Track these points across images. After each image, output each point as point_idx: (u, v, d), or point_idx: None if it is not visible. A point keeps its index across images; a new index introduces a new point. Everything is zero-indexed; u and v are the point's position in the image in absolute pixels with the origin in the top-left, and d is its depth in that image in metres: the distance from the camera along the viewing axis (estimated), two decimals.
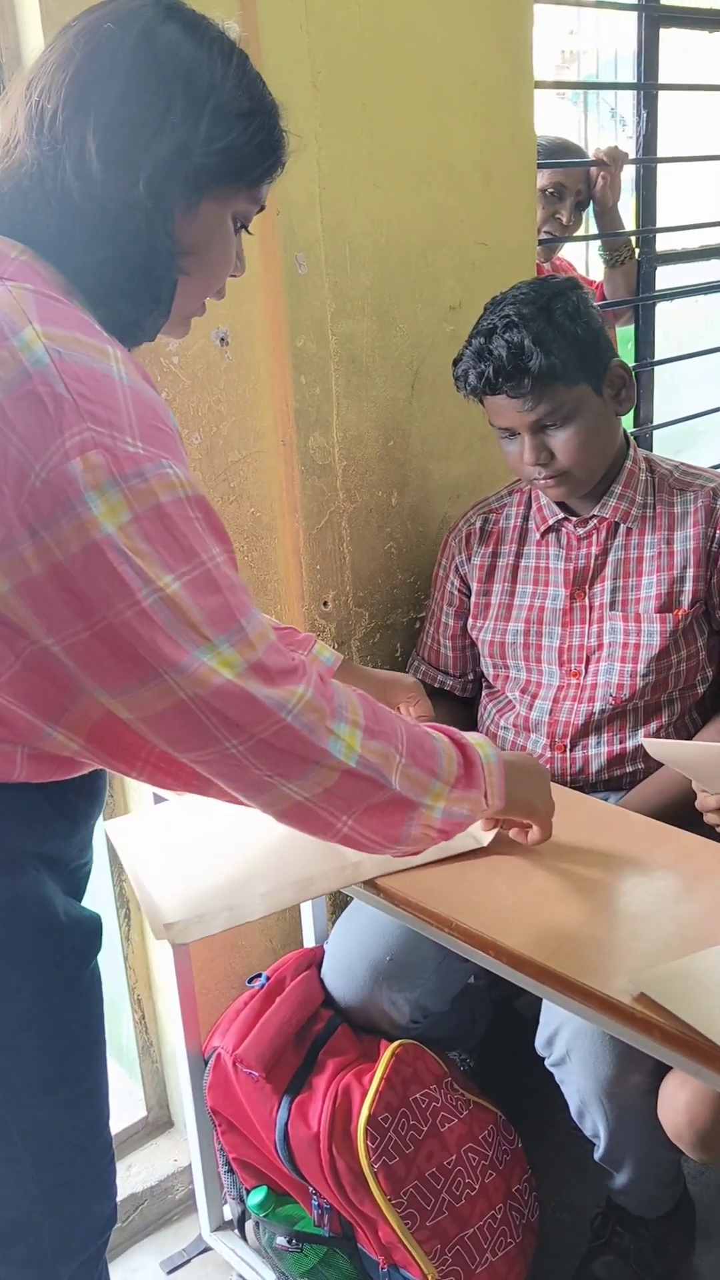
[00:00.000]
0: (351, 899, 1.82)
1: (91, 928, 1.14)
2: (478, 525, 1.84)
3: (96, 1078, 1.16)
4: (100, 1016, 1.16)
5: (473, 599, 1.83)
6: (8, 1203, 1.10)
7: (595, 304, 1.65)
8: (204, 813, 1.49)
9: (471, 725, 1.89)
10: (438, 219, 1.93)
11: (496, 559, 1.81)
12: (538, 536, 1.77)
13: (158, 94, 0.97)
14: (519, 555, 1.79)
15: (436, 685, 1.91)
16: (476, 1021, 1.98)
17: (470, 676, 1.90)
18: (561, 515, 1.74)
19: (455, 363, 1.65)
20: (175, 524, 0.92)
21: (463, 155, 1.94)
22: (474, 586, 1.83)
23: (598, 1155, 1.61)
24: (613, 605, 1.70)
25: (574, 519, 1.73)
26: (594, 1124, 1.56)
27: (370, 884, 1.27)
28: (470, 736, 1.18)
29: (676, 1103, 1.42)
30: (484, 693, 1.88)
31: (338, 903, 1.99)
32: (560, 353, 1.56)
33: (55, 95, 0.97)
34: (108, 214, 0.98)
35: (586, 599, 1.72)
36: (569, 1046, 1.53)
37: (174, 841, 1.47)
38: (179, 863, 1.41)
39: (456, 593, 1.85)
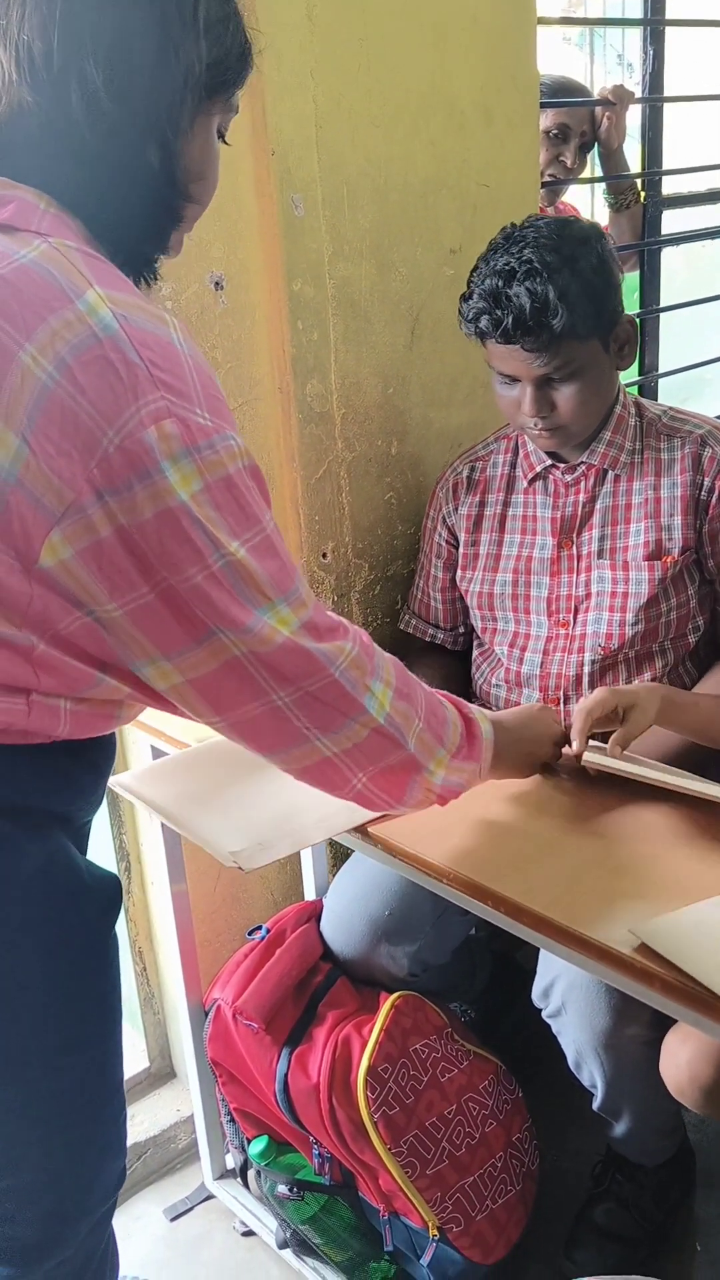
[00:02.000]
0: (351, 852, 1.82)
1: (114, 887, 1.14)
2: (464, 474, 1.81)
3: (117, 1038, 1.17)
4: (119, 977, 1.18)
5: (460, 549, 1.80)
6: (33, 1164, 1.11)
7: (611, 246, 1.60)
8: (216, 762, 1.48)
9: (465, 679, 1.88)
10: (438, 160, 1.88)
11: (484, 508, 1.78)
12: (525, 484, 1.74)
13: (152, 16, 0.93)
14: (506, 504, 1.76)
15: (428, 639, 1.89)
16: (477, 973, 1.98)
17: (461, 630, 1.88)
18: (549, 462, 1.70)
19: (463, 299, 1.58)
20: (241, 492, 0.94)
21: (464, 94, 1.89)
22: (461, 537, 1.79)
23: (596, 1105, 1.61)
24: (600, 554, 1.67)
25: (562, 465, 1.69)
26: (591, 1075, 1.56)
27: (369, 835, 1.26)
28: (474, 711, 1.23)
29: (678, 1058, 1.42)
30: (475, 650, 1.85)
31: (338, 855, 1.98)
32: (582, 309, 1.50)
33: (43, 30, 0.91)
34: (127, 151, 0.95)
35: (574, 547, 1.69)
36: (565, 998, 1.52)
37: (194, 788, 1.45)
38: (214, 803, 1.40)
39: (444, 544, 1.83)
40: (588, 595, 1.68)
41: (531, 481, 1.73)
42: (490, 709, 1.74)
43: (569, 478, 1.69)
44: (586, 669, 1.68)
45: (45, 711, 1.00)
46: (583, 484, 1.69)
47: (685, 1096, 1.43)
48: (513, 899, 1.13)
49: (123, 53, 0.92)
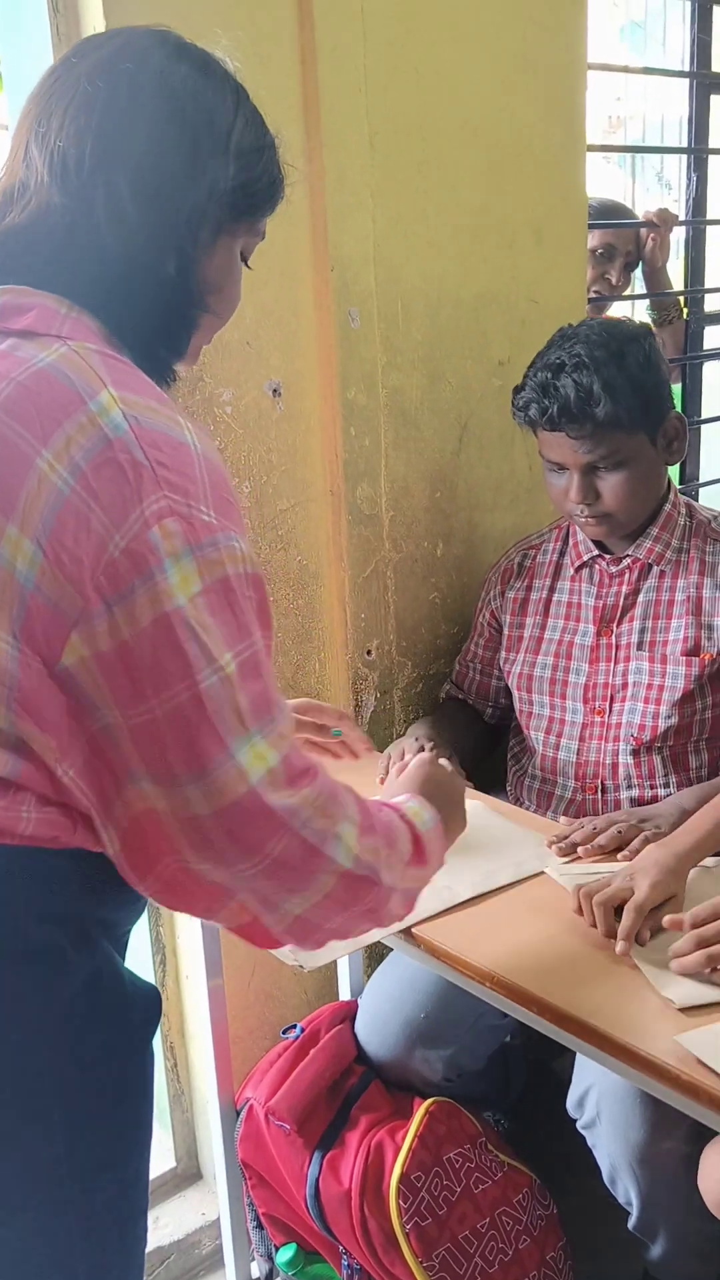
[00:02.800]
0: (387, 953, 1.81)
1: (154, 998, 1.09)
2: (516, 561, 1.86)
3: (148, 1154, 1.11)
4: (153, 1089, 1.12)
5: (505, 632, 1.84)
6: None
7: (660, 347, 1.67)
8: None
9: (486, 743, 1.92)
10: (490, 276, 1.95)
11: (530, 593, 1.82)
12: (571, 572, 1.78)
13: (184, 135, 0.97)
14: (552, 589, 1.80)
15: (459, 698, 1.95)
16: (512, 1081, 1.94)
17: (490, 706, 1.92)
18: (596, 552, 1.74)
19: (516, 391, 1.65)
20: (237, 599, 0.91)
21: (516, 214, 1.97)
22: (506, 619, 1.84)
23: (631, 1224, 1.56)
24: (640, 645, 1.70)
25: (608, 556, 1.73)
26: (626, 1191, 1.52)
27: (412, 935, 1.26)
28: (405, 805, 1.13)
29: (717, 1173, 1.38)
30: (511, 742, 1.87)
31: (373, 956, 1.97)
32: (626, 401, 1.57)
33: (78, 138, 0.95)
34: (146, 258, 0.97)
35: (613, 637, 1.72)
36: (600, 1109, 1.49)
37: None
38: None
39: (487, 625, 1.89)
40: (625, 685, 1.70)
41: (578, 569, 1.77)
42: (523, 804, 1.75)
43: (614, 569, 1.73)
44: (622, 759, 1.69)
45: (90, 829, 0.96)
46: (627, 575, 1.72)
47: None
48: (557, 1005, 1.12)
49: (151, 165, 0.96)
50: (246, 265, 1.09)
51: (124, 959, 1.12)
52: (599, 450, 1.59)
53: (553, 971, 1.18)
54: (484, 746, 1.93)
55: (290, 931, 1.00)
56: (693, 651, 1.66)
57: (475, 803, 1.65)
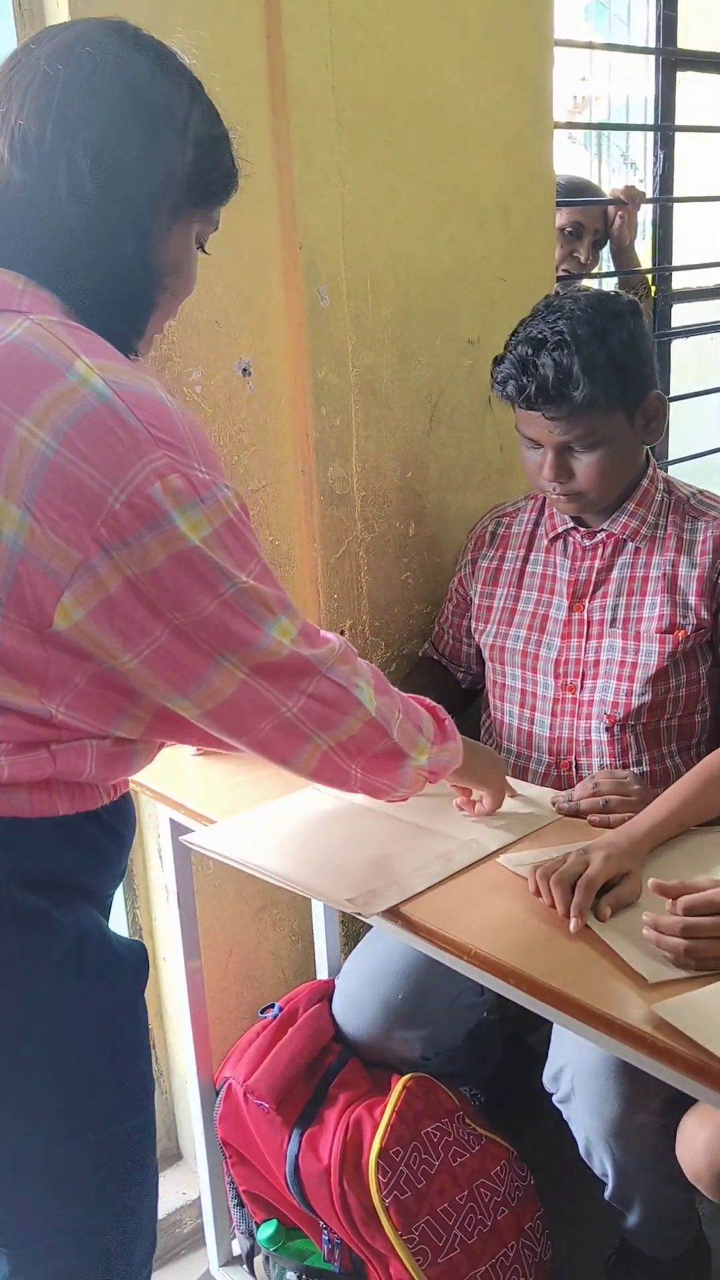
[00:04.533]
0: (364, 932, 1.82)
1: (142, 954, 1.17)
2: (490, 529, 1.86)
3: (152, 1104, 1.19)
4: (149, 1045, 1.20)
5: (475, 601, 1.84)
6: (83, 1246, 1.12)
7: (647, 326, 1.64)
8: (285, 815, 1.50)
9: (459, 702, 1.93)
10: (458, 254, 1.95)
11: (503, 562, 1.81)
12: (545, 543, 1.77)
13: (143, 119, 1.01)
14: (526, 560, 1.79)
15: (434, 658, 1.97)
16: (489, 1057, 1.96)
17: (463, 670, 1.93)
18: (571, 525, 1.73)
19: (496, 362, 1.62)
20: (241, 532, 1.02)
21: (484, 192, 1.97)
22: (475, 588, 1.84)
23: (607, 1194, 1.58)
24: (613, 622, 1.69)
25: (582, 530, 1.72)
26: (601, 1163, 1.54)
27: (388, 910, 1.27)
28: (437, 706, 1.34)
29: (695, 1143, 1.40)
30: (482, 715, 1.88)
31: (349, 934, 1.98)
32: (604, 382, 1.55)
33: (39, 117, 0.99)
34: (105, 235, 1.01)
35: (586, 613, 1.71)
36: (574, 1084, 1.51)
37: (270, 844, 1.43)
38: (303, 856, 1.40)
39: (454, 592, 1.91)
40: (597, 663, 1.69)
41: (552, 540, 1.76)
42: None
43: (588, 542, 1.72)
44: (595, 736, 1.69)
45: (71, 754, 1.05)
46: (600, 550, 1.71)
47: (702, 1182, 1.40)
48: (534, 976, 1.13)
49: (110, 145, 0.99)
50: (203, 251, 1.13)
51: (108, 921, 1.16)
52: (574, 431, 1.58)
53: (530, 944, 1.19)
54: (453, 707, 1.91)
55: (319, 771, 1.16)
56: (667, 629, 1.65)
57: None
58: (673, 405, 2.79)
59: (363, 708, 1.15)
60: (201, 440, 1.00)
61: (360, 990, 1.70)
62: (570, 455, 1.61)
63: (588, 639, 1.71)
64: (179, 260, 1.09)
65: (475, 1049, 1.89)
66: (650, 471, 1.71)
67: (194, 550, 0.97)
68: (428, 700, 1.34)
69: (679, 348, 2.85)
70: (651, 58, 2.63)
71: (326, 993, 1.77)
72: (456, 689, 1.94)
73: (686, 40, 2.68)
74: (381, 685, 1.20)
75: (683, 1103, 1.46)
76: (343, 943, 1.97)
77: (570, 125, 2.49)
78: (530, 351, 1.56)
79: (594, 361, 1.54)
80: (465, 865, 1.34)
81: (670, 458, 2.84)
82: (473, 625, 1.85)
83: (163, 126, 1.02)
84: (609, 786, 1.49)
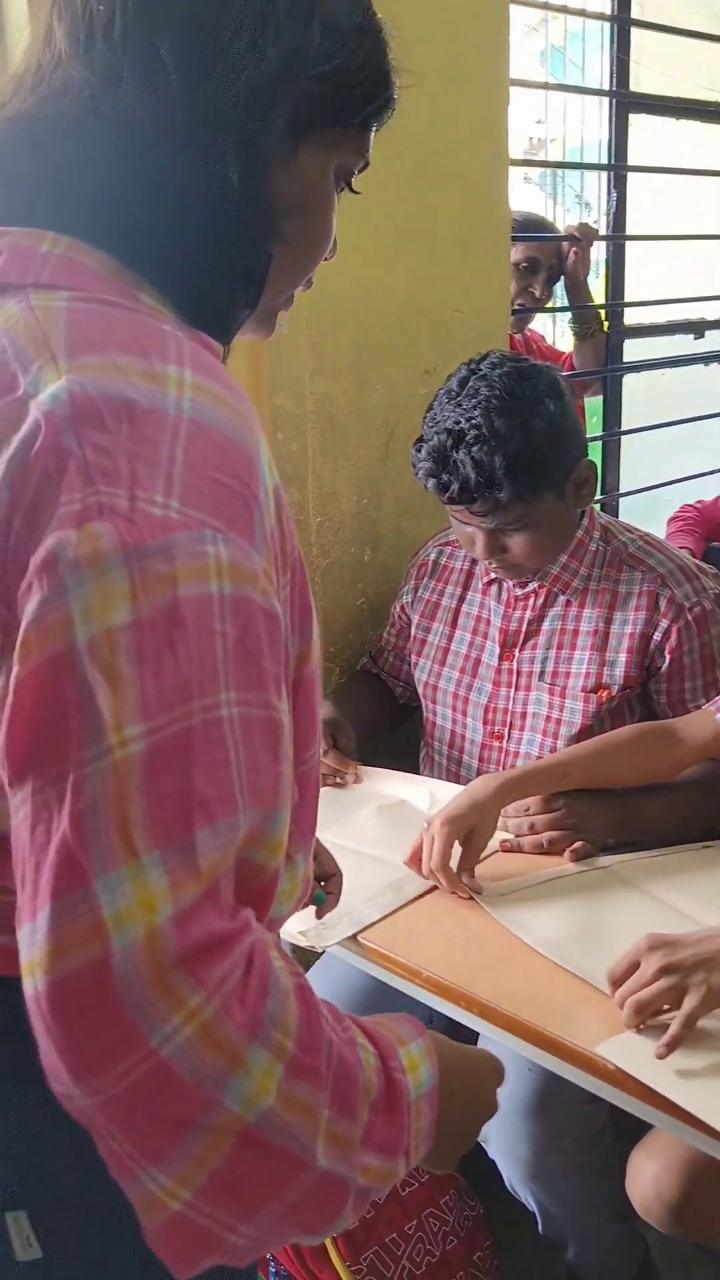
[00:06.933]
0: (315, 960, 1.81)
1: None
2: (432, 558, 1.84)
3: None
4: None
5: (412, 631, 1.82)
6: None
7: (571, 398, 1.58)
8: None
9: (394, 719, 1.93)
10: (416, 286, 1.98)
11: (441, 598, 1.80)
12: (481, 584, 1.75)
13: None
14: (462, 599, 1.77)
15: (373, 671, 1.95)
16: None
17: (401, 687, 1.92)
18: None
19: (415, 447, 1.55)
20: (190, 636, 0.60)
21: (441, 226, 2.00)
22: (414, 618, 1.82)
23: (540, 1229, 1.58)
24: (541, 675, 1.66)
25: (515, 580, 1.69)
26: (528, 1200, 1.54)
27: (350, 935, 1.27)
28: (400, 1046, 0.71)
29: (644, 1176, 1.39)
30: (421, 745, 1.87)
31: (303, 962, 1.96)
32: (530, 476, 1.48)
33: None
34: (194, 155, 0.70)
35: (515, 663, 1.69)
36: (489, 1127, 1.50)
37: None
38: None
39: (398, 616, 1.89)
40: (524, 714, 1.68)
41: (488, 584, 1.74)
42: None
43: (520, 592, 1.69)
44: None
45: None
46: (532, 600, 1.68)
47: (652, 1215, 1.40)
48: (483, 1000, 1.13)
49: (203, 21, 0.70)
50: (351, 189, 0.83)
51: None
52: (503, 519, 1.52)
53: (481, 968, 1.19)
54: (390, 722, 1.92)
55: (166, 1241, 0.61)
56: (593, 689, 1.62)
57: (422, 788, 1.67)
58: (624, 439, 2.85)
59: (228, 1112, 0.59)
60: (206, 460, 0.63)
61: None
62: (503, 534, 1.56)
63: (516, 689, 1.69)
64: (308, 199, 0.77)
65: None
66: (585, 522, 1.66)
67: (68, 656, 0.58)
68: (387, 1044, 0.71)
69: (630, 382, 2.89)
70: (605, 100, 2.69)
71: None
72: (394, 703, 1.94)
73: (638, 84, 2.74)
74: (308, 1039, 0.63)
75: (602, 1138, 1.47)
76: None
77: (527, 163, 2.54)
78: (449, 445, 1.48)
79: (516, 459, 1.46)
80: (416, 895, 1.34)
81: (621, 490, 2.88)
82: (411, 660, 1.84)
83: (280, 2, 0.71)
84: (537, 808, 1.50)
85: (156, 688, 0.58)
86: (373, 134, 0.82)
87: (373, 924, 1.28)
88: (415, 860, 1.38)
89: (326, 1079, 0.63)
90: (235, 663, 0.62)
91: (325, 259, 0.84)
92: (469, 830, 1.37)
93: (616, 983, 1.11)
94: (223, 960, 0.59)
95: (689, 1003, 1.05)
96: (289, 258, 0.78)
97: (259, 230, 0.74)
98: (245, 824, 0.62)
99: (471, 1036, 1.16)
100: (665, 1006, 1.07)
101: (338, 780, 1.70)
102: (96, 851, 0.57)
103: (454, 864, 1.35)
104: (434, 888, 1.36)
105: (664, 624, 1.60)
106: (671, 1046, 1.04)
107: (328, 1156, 0.63)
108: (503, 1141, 1.48)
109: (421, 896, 1.34)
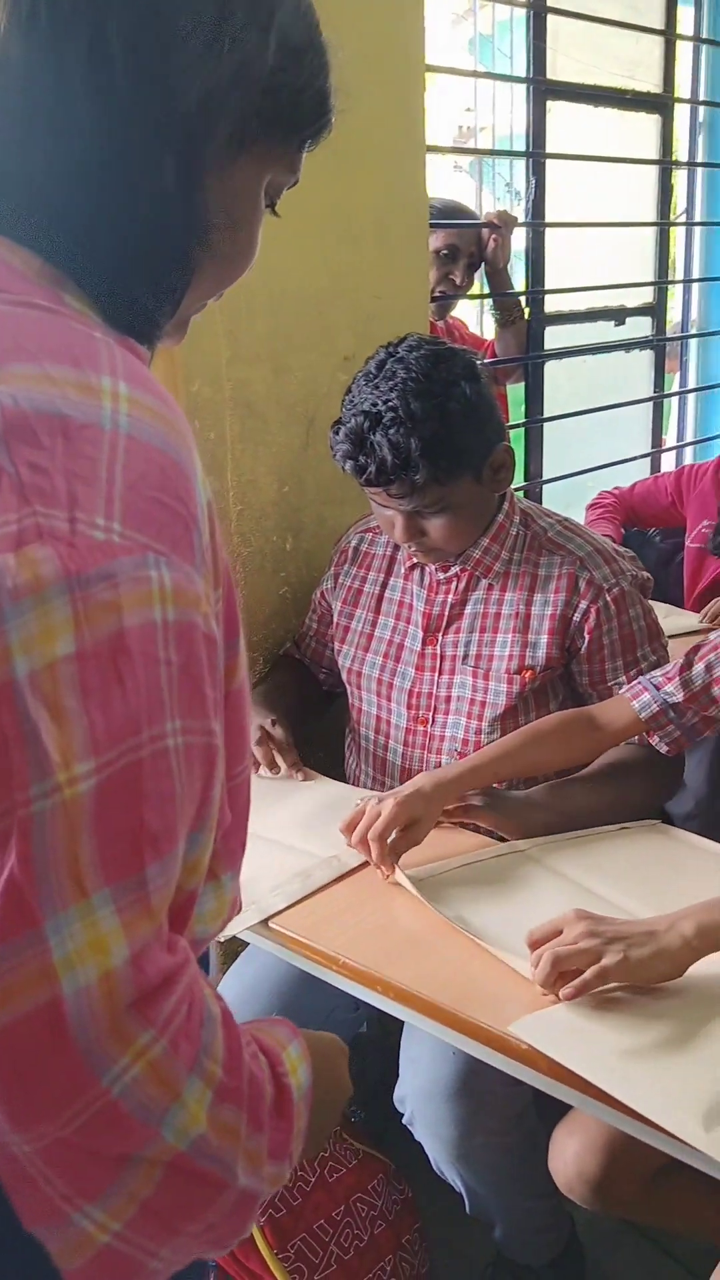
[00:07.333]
0: (240, 951, 1.81)
1: None
2: (353, 545, 1.84)
3: None
4: None
5: (334, 619, 1.83)
6: None
7: (488, 381, 1.58)
8: None
9: (319, 704, 1.93)
10: (334, 273, 1.97)
11: (363, 584, 1.80)
12: (404, 570, 1.76)
13: None
14: (385, 585, 1.78)
15: (296, 657, 1.95)
16: (366, 1073, 1.96)
17: (325, 673, 1.92)
18: None
19: (333, 430, 1.56)
20: (136, 668, 0.58)
21: (359, 212, 1.99)
22: (336, 605, 1.83)
23: (468, 1209, 1.60)
24: (465, 659, 1.68)
25: (437, 562, 1.70)
26: (454, 1181, 1.55)
27: (258, 925, 1.26)
28: (283, 1050, 0.73)
29: (565, 1154, 1.42)
30: (346, 732, 1.88)
31: (228, 954, 1.96)
32: (447, 459, 1.49)
33: None
34: (133, 154, 0.67)
35: (439, 647, 1.70)
36: (414, 1110, 1.52)
37: None
38: None
39: (319, 603, 1.89)
40: (448, 698, 1.69)
41: (410, 569, 1.75)
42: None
43: (442, 576, 1.70)
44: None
45: None
46: (455, 584, 1.70)
47: (574, 1192, 1.43)
48: (400, 985, 1.13)
49: (157, 13, 0.66)
50: (273, 211, 0.81)
51: None
52: (420, 502, 1.53)
53: (398, 953, 1.20)
54: (315, 708, 1.93)
55: (86, 1277, 0.61)
56: (516, 670, 1.64)
57: (328, 786, 1.67)
58: (545, 426, 2.87)
59: (163, 1143, 0.60)
60: (146, 481, 0.61)
61: (234, 1009, 1.65)
62: (420, 518, 1.57)
63: (440, 674, 1.70)
64: (238, 212, 0.75)
65: (353, 1064, 1.87)
66: (506, 506, 1.68)
67: (8, 690, 0.55)
68: (275, 1053, 0.72)
69: (552, 369, 2.91)
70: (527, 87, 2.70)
71: None
72: (318, 688, 1.94)
73: (556, 72, 2.76)
74: (232, 1064, 0.64)
75: (526, 1118, 1.49)
76: (220, 962, 1.94)
77: (440, 149, 2.53)
78: (366, 427, 1.48)
79: (432, 440, 1.47)
80: (325, 883, 1.35)
81: (544, 477, 2.91)
82: (335, 647, 1.84)
83: (240, 4, 0.69)
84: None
85: (104, 721, 0.57)
86: (305, 153, 0.81)
87: (279, 912, 1.28)
88: (350, 828, 1.38)
89: (245, 1098, 0.65)
90: (180, 691, 0.60)
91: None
92: (415, 818, 1.38)
93: (536, 944, 1.13)
94: (170, 996, 0.60)
95: (606, 960, 1.08)
96: (213, 268, 0.76)
97: (189, 239, 0.72)
98: (183, 853, 0.62)
99: (399, 1023, 1.17)
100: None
101: (276, 769, 1.69)
102: (46, 892, 0.55)
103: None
104: (342, 876, 1.36)
105: (583, 605, 1.62)
106: (579, 990, 1.07)
107: (245, 1173, 0.64)
108: (428, 1123, 1.49)
109: (331, 885, 1.34)
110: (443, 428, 1.48)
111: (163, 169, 0.68)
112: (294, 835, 1.47)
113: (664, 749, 1.55)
